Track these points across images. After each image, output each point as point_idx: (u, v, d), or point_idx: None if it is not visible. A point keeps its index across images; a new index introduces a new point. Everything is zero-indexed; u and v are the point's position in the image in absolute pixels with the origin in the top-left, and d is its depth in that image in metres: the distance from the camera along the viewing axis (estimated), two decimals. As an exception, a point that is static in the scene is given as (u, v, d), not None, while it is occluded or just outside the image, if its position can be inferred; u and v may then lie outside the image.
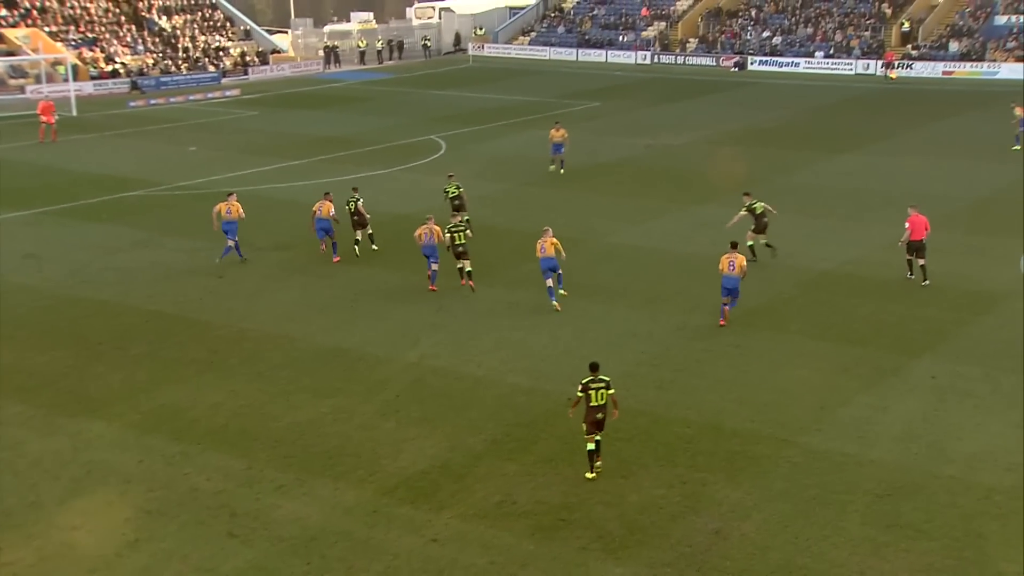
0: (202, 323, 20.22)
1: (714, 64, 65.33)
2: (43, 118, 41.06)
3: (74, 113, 46.70)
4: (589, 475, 14.23)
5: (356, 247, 24.40)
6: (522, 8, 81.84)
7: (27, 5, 59.84)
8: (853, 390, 17.01)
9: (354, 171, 34.38)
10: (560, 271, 20.94)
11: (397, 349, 18.90)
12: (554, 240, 20.58)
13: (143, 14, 65.11)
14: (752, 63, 64.29)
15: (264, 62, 66.01)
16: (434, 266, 21.99)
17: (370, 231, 24.99)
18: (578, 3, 78.01)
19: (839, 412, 16.22)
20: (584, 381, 14.16)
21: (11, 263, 24.11)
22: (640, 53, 68.64)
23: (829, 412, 16.23)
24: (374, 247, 24.99)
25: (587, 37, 72.73)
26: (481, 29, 79.76)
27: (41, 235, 26.66)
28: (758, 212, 23.65)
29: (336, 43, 72.40)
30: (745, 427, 15.74)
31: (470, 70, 67.52)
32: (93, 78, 56.36)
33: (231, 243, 23.99)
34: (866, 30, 63.89)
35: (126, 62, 59.41)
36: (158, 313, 20.76)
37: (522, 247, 25.05)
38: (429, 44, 76.22)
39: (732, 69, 64.01)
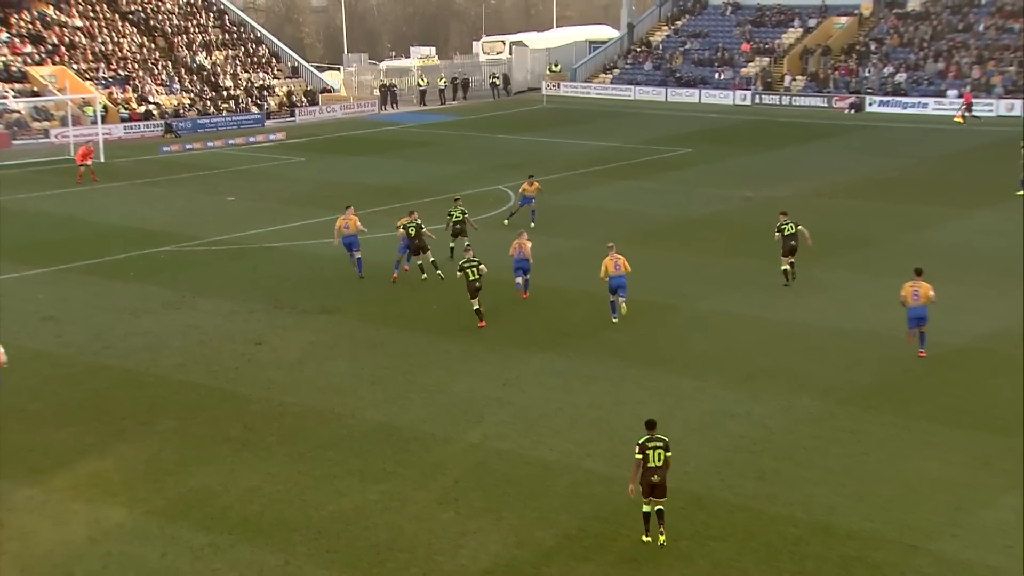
0: (238, 396, 20.64)
1: (825, 105, 65.35)
2: (79, 162, 43.31)
3: (102, 159, 48.59)
4: (645, 538, 14.70)
5: (421, 271, 28.22)
6: (603, 42, 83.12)
7: (54, 41, 62.77)
8: (996, 488, 16.58)
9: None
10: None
11: (457, 428, 19.05)
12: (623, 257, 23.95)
13: (180, 50, 67.81)
14: (870, 104, 64.15)
15: (313, 102, 68.01)
16: (520, 278, 26.02)
17: (432, 258, 28.05)
18: (668, 36, 78.98)
19: (979, 514, 15.81)
20: (641, 441, 14.74)
21: (28, 327, 24.94)
22: (739, 93, 69.05)
23: (967, 514, 15.83)
24: (439, 274, 27.82)
25: (678, 75, 73.46)
26: (557, 65, 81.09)
27: (61, 295, 27.59)
28: (787, 234, 26.32)
29: (393, 81, 74.29)
30: (863, 528, 15.44)
31: (544, 112, 68.60)
32: (124, 120, 58.63)
33: (357, 256, 28.11)
34: (1010, 64, 63.15)
35: (160, 102, 61.72)
36: (189, 384, 21.26)
37: (600, 312, 25.18)
38: (498, 83, 77.70)
39: (847, 111, 63.90)
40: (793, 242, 26.32)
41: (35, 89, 58.18)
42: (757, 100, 68.28)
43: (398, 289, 27.79)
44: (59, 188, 42.40)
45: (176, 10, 71.42)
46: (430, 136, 58.23)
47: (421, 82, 73.90)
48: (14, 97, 56.61)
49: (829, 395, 19.98)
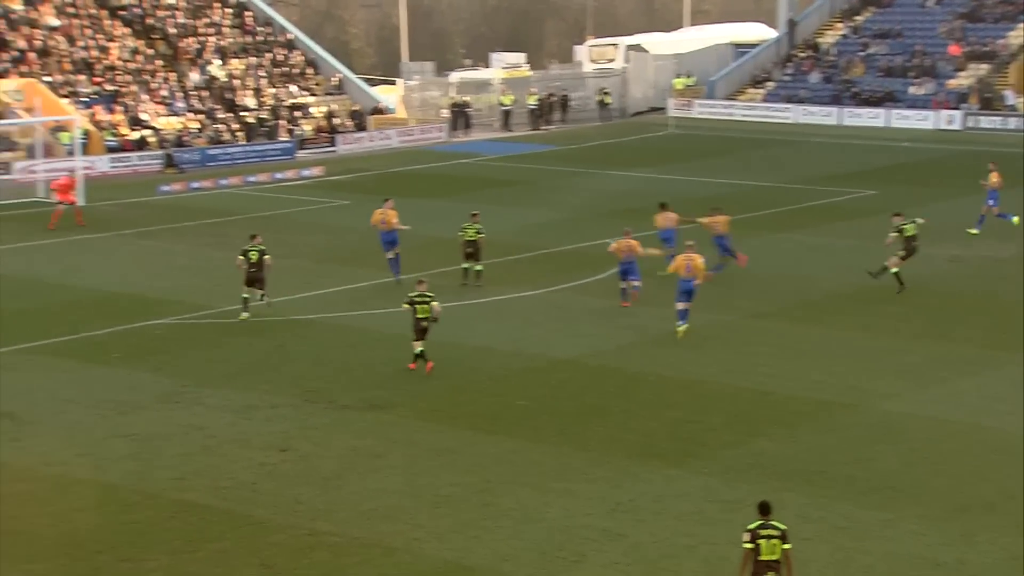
0: (254, 522, 20.74)
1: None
2: (59, 198, 44.42)
3: (81, 201, 49.89)
4: None
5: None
6: (753, 46, 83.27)
7: (22, 45, 64.71)
8: None
9: (492, 290, 35.43)
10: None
11: (550, 569, 18.91)
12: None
13: (187, 57, 69.64)
14: None
15: (360, 127, 69.15)
16: (634, 283, 31.80)
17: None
18: (843, 37, 78.90)
19: None
20: (751, 527, 15.61)
21: (-21, 425, 25.42)
22: (944, 114, 68.53)
23: None
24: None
25: (856, 89, 73.31)
26: (690, 77, 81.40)
27: (22, 383, 28.00)
28: (908, 235, 31.51)
29: (468, 98, 75.11)
30: None
31: (670, 140, 68.82)
32: (111, 150, 60.11)
33: (391, 255, 33.45)
34: None
35: (158, 126, 63.28)
36: (189, 505, 21.43)
37: (747, 415, 24.96)
38: (609, 101, 78.26)
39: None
40: (916, 242, 31.21)
41: (-5, 110, 59.94)
42: (970, 124, 67.65)
43: (470, 379, 27.89)
44: (22, 240, 43.43)
45: (182, 5, 73.38)
46: (515, 172, 58.71)
47: (505, 100, 74.78)
48: (-33, 121, 58.35)
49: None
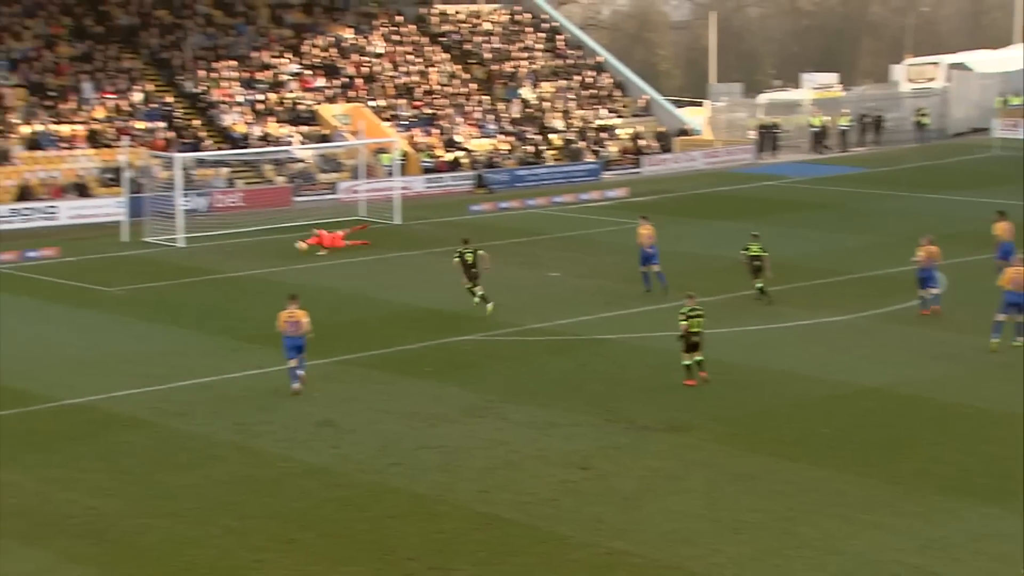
0: (555, 537, 21.01)
1: None
2: (322, 244, 45.79)
3: (397, 220, 51.75)
4: None
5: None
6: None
7: (350, 72, 67.91)
8: None
9: (797, 314, 35.09)
10: None
11: None
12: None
13: (500, 81, 71.40)
14: None
15: (665, 148, 69.39)
16: (933, 291, 33.08)
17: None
18: None
19: None
20: None
21: (301, 433, 26.53)
22: None
23: None
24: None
25: None
26: (1018, 96, 78.19)
27: (342, 394, 29.24)
28: None
29: (776, 120, 74.40)
30: None
31: (994, 162, 66.32)
32: (427, 170, 62.12)
33: (645, 270, 37.10)
34: None
35: (471, 148, 65.09)
36: (492, 518, 21.89)
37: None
38: (927, 121, 76.07)
39: None
40: None
41: (324, 132, 62.98)
42: None
43: (772, 404, 27.58)
44: (344, 257, 45.27)
45: (498, 31, 75.34)
46: (825, 194, 57.78)
47: (815, 121, 73.59)
48: (300, 143, 61.58)
49: None
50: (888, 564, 19.67)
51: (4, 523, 21.79)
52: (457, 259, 35.82)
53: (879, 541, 20.53)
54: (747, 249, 36.21)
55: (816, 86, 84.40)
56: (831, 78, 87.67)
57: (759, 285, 36.15)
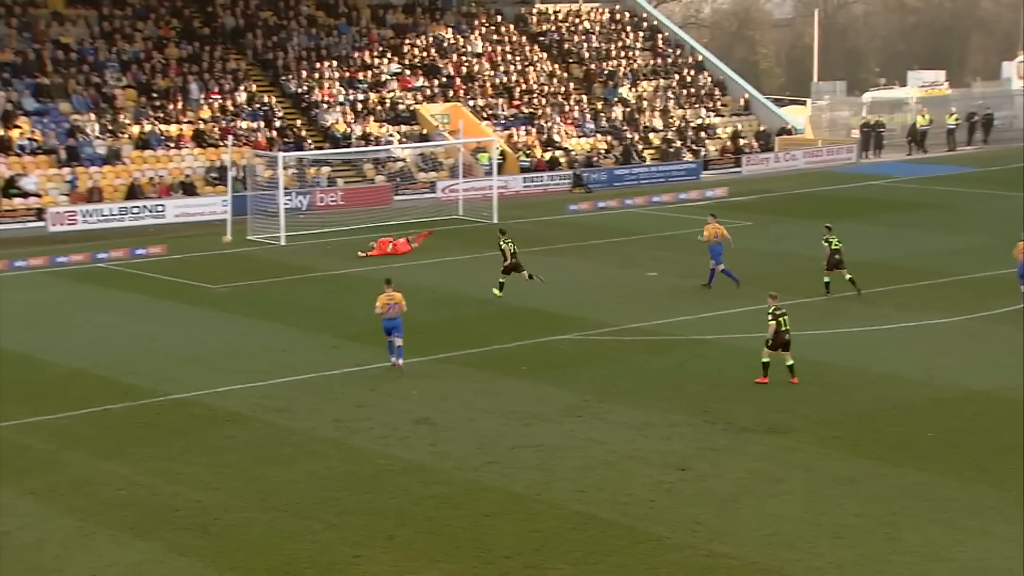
0: (652, 538, 21.03)
1: None
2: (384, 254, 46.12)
3: (495, 219, 51.99)
4: None
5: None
6: None
7: (450, 72, 68.41)
8: None
9: (900, 316, 34.80)
10: None
11: None
12: None
13: (599, 80, 71.45)
14: None
15: (766, 147, 69.04)
16: None
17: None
18: None
19: None
20: None
21: (399, 430, 26.82)
22: None
23: None
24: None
25: None
26: None
27: (439, 392, 29.53)
28: None
29: (880, 119, 73.59)
30: None
31: (1110, 162, 64.98)
32: (524, 170, 62.48)
33: (713, 268, 37.64)
34: None
35: (569, 147, 65.23)
36: (589, 518, 21.95)
37: None
38: (1039, 121, 74.81)
39: None
40: None
41: (424, 132, 63.58)
42: None
43: (874, 407, 27.31)
44: (441, 255, 45.69)
45: (597, 30, 75.41)
46: (930, 194, 57.10)
47: (922, 120, 72.62)
48: (400, 142, 62.16)
49: None
50: (999, 573, 19.35)
51: (114, 514, 22.30)
52: (502, 251, 37.34)
53: (988, 548, 20.21)
54: (828, 242, 36.63)
55: (922, 84, 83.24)
56: (938, 76, 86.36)
57: (849, 277, 36.65)
